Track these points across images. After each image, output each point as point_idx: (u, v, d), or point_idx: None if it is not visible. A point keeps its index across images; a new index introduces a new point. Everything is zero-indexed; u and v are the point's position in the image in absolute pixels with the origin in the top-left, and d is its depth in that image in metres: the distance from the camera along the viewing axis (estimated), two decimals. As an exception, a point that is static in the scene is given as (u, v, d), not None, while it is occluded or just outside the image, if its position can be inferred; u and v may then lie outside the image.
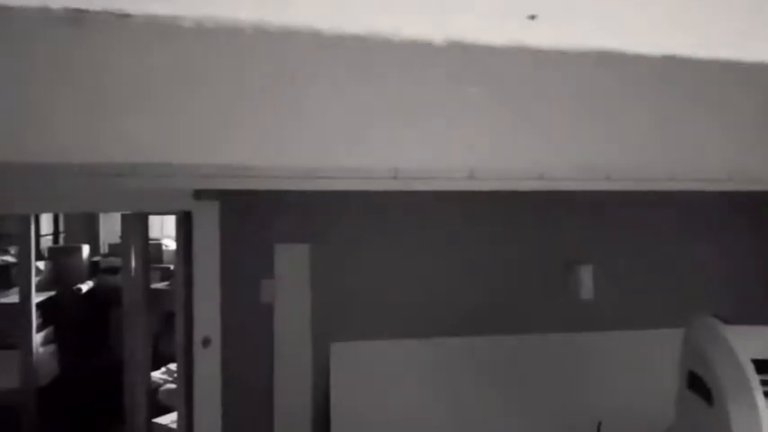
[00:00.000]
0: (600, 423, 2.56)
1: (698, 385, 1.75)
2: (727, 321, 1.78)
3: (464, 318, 3.10)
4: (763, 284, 3.35)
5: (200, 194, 2.59)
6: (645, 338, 3.12)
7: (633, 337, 3.14)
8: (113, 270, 4.84)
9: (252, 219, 2.83)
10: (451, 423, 2.89)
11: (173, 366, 3.42)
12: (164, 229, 5.77)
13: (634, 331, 3.16)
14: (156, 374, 3.65)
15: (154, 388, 3.40)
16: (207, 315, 2.70)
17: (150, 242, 4.50)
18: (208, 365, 2.67)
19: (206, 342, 2.69)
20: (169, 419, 3.26)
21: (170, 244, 5.13)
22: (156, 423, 3.26)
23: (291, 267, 2.81)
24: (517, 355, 3.06)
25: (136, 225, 3.32)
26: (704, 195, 2.99)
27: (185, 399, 2.76)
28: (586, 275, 3.13)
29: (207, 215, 2.67)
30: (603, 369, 3.05)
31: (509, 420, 2.90)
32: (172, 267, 4.13)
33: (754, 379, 1.62)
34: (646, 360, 3.04)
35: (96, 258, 5.45)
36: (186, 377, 2.74)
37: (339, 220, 2.95)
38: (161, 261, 5.00)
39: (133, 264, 3.37)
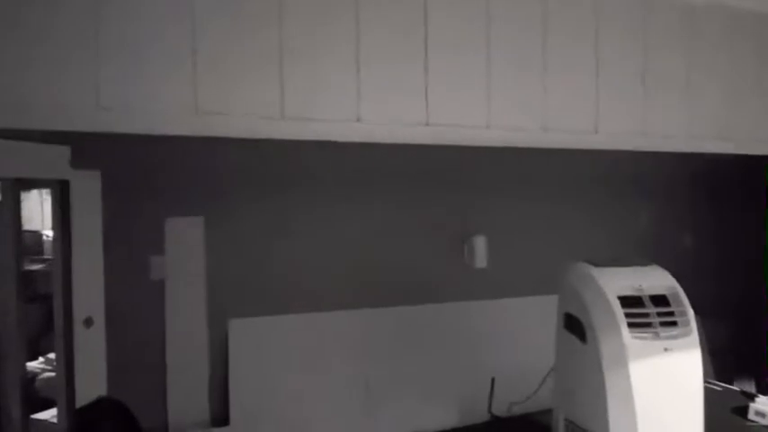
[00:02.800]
0: (493, 379, 2.69)
1: (573, 325, 1.90)
2: (597, 264, 1.94)
3: (365, 291, 3.13)
4: (633, 239, 3.69)
5: (78, 161, 2.40)
6: (534, 303, 3.32)
7: (523, 303, 3.34)
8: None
9: (139, 191, 2.65)
10: (354, 393, 2.90)
11: (53, 355, 3.14)
12: (44, 221, 5.30)
13: (523, 298, 3.35)
14: (33, 364, 3.34)
15: (30, 378, 3.11)
16: (88, 294, 2.50)
17: (28, 232, 4.10)
18: (91, 348, 2.47)
19: (88, 322, 2.49)
20: (50, 414, 2.99)
21: (51, 234, 4.71)
22: (35, 419, 2.98)
23: (184, 242, 2.68)
24: (416, 324, 3.14)
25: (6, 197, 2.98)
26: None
27: (66, 387, 2.54)
28: (480, 245, 3.28)
29: (87, 185, 2.47)
30: (497, 332, 3.21)
31: (410, 386, 2.97)
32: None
33: (620, 313, 1.78)
34: (534, 323, 3.24)
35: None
36: (67, 362, 2.53)
37: (234, 193, 2.84)
38: (41, 252, 4.58)
39: None
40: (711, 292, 4.21)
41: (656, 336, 1.76)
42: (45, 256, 4.65)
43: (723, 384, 3.05)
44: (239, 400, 2.72)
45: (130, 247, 2.64)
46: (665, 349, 1.75)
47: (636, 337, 1.75)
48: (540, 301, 3.21)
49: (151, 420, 2.66)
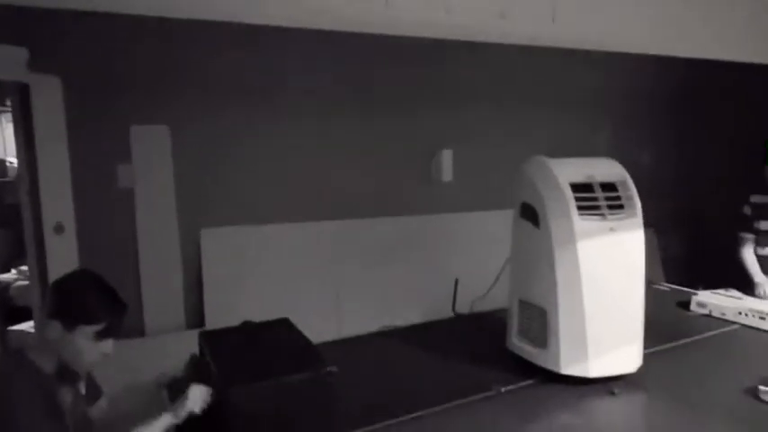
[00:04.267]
0: (457, 280, 2.83)
1: (528, 212, 2.01)
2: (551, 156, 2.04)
3: (334, 203, 3.21)
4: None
5: (37, 65, 2.35)
6: (497, 217, 3.45)
7: (487, 217, 3.46)
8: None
9: (103, 98, 2.62)
10: (324, 298, 3.03)
11: (26, 267, 3.17)
12: (7, 148, 5.19)
13: (487, 212, 3.47)
14: (5, 276, 3.37)
15: (3, 287, 3.14)
16: (57, 200, 2.51)
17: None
18: (63, 253, 2.52)
19: (59, 229, 2.52)
20: (27, 325, 3.05)
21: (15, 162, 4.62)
22: (12, 330, 3.04)
23: (150, 151, 2.69)
24: (384, 236, 3.25)
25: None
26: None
27: (40, 294, 2.59)
28: (446, 159, 3.36)
29: (47, 91, 2.43)
30: (463, 243, 3.34)
31: (378, 290, 3.11)
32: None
33: (571, 197, 1.89)
34: (498, 235, 3.38)
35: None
36: (40, 269, 2.57)
37: (200, 103, 2.84)
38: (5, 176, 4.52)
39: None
40: (666, 207, 4.43)
41: (604, 217, 1.89)
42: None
43: (671, 285, 3.27)
44: (213, 306, 2.81)
45: (97, 155, 2.64)
46: (611, 229, 1.88)
47: (584, 219, 1.87)
48: (504, 215, 3.35)
49: (127, 324, 2.76)
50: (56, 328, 1.48)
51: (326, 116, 3.12)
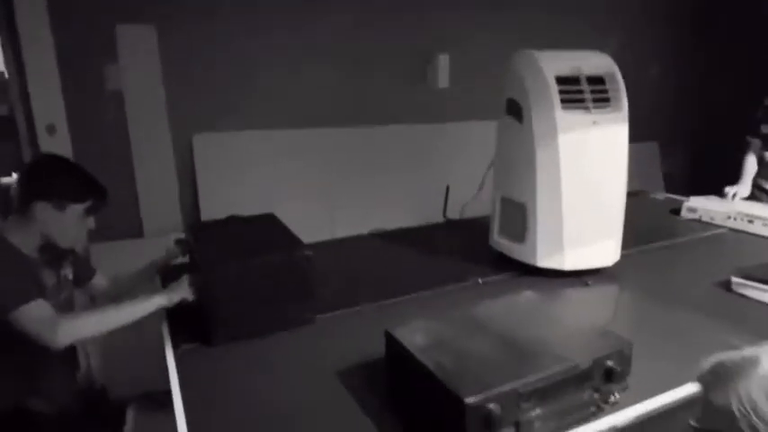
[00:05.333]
0: (448, 186, 2.84)
1: (513, 108, 1.97)
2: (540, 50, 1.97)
3: (328, 110, 3.18)
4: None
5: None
6: (492, 126, 3.40)
7: (483, 127, 3.40)
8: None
9: (86, -3, 2.56)
10: (317, 202, 3.08)
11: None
12: None
13: (484, 121, 3.41)
14: (6, 179, 3.47)
15: (5, 188, 3.25)
16: (47, 102, 2.52)
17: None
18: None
19: (51, 129, 2.55)
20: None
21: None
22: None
23: (137, 51, 2.65)
24: (379, 144, 3.24)
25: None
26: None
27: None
28: (443, 64, 3.27)
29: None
30: (458, 152, 3.32)
31: (371, 197, 3.14)
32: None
33: (554, 90, 1.85)
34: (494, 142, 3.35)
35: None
36: (36, 171, 2.62)
37: (188, 2, 2.75)
38: None
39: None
40: (671, 120, 4.33)
41: (588, 111, 1.85)
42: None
43: (666, 194, 3.26)
44: (208, 208, 2.87)
45: (84, 56, 2.61)
46: (594, 122, 1.85)
47: (567, 112, 1.84)
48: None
49: (127, 226, 2.85)
50: (44, 208, 1.54)
51: (320, 19, 3.02)
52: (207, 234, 1.83)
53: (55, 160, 1.65)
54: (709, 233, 2.53)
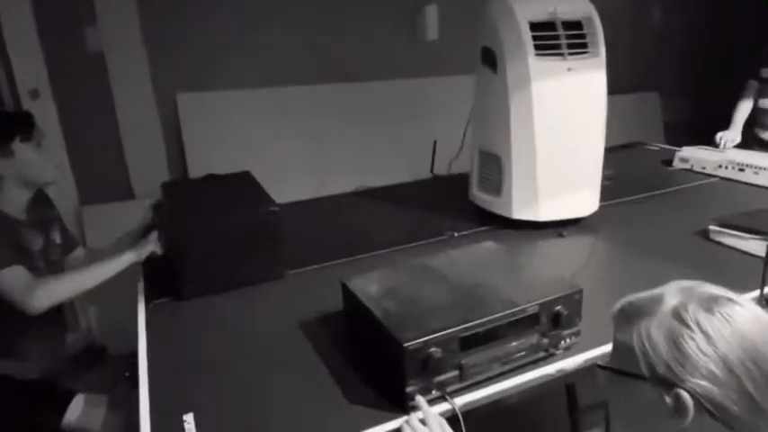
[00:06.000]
0: (435, 141, 2.81)
1: (488, 57, 1.92)
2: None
3: (316, 66, 3.13)
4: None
5: None
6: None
7: (471, 81, 3.34)
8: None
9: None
10: (306, 160, 3.07)
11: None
12: None
13: (472, 76, 3.34)
14: None
15: None
16: (29, 65, 2.52)
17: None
18: (42, 118, 2.53)
19: (34, 94, 2.55)
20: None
21: None
22: None
23: (116, 12, 2.61)
24: (367, 100, 3.19)
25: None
26: None
27: None
28: (431, 15, 3.18)
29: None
30: (447, 107, 3.26)
31: (359, 154, 3.13)
32: None
33: (527, 37, 1.79)
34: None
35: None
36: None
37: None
38: None
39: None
40: (673, 68, 4.19)
41: (563, 57, 1.80)
42: None
43: (661, 145, 3.19)
44: (195, 168, 2.88)
45: (63, 19, 2.58)
46: (569, 69, 1.80)
47: (541, 59, 1.79)
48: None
49: (116, 188, 2.88)
50: None
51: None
52: (179, 192, 1.85)
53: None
54: (699, 183, 2.48)
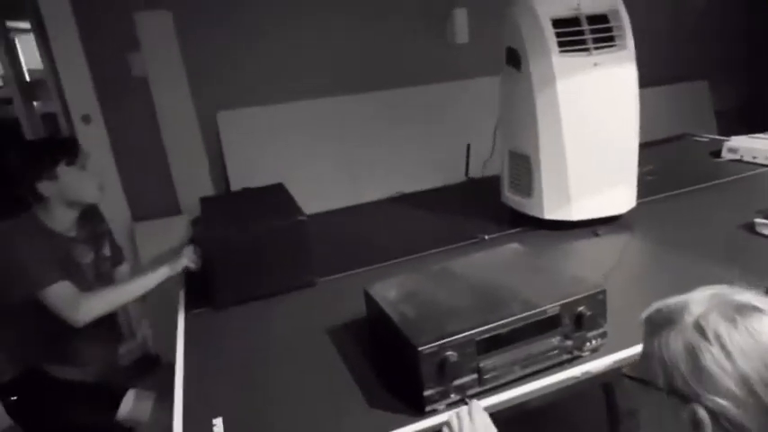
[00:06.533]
0: (468, 145, 2.80)
1: (512, 57, 1.91)
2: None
3: (346, 77, 3.18)
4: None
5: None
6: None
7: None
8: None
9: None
10: (341, 168, 3.12)
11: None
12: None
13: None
14: None
15: None
16: (80, 93, 2.69)
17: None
18: (95, 141, 2.73)
19: (86, 119, 2.73)
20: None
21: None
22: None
23: (157, 37, 2.75)
24: (399, 107, 3.21)
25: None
26: None
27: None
28: (461, 18, 3.17)
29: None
30: (478, 109, 3.23)
31: (393, 160, 3.15)
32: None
33: (550, 33, 1.76)
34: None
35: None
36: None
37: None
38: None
39: None
40: (721, 55, 3.98)
41: (588, 53, 1.76)
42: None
43: (711, 135, 3.04)
44: (237, 182, 2.99)
45: (108, 45, 2.74)
46: (595, 64, 1.75)
47: (565, 55, 1.75)
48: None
49: (165, 204, 3.02)
50: (45, 186, 1.67)
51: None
52: (214, 206, 1.93)
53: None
54: (749, 173, 2.35)
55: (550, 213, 1.89)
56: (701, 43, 3.85)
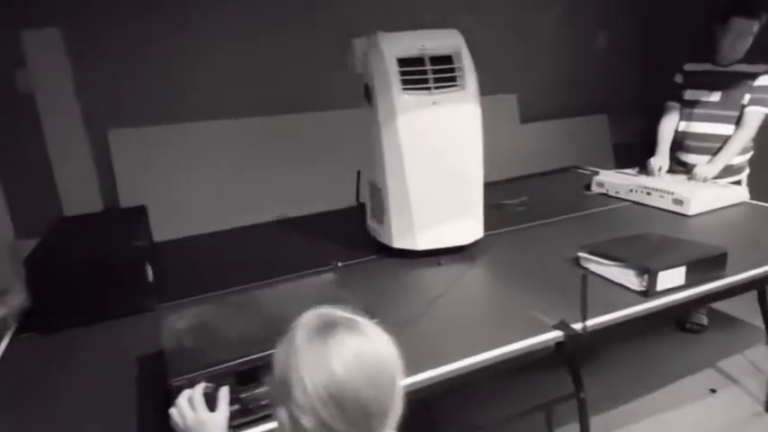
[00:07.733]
0: (359, 171, 2.85)
1: (367, 93, 1.98)
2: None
3: (243, 100, 3.22)
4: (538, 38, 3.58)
5: None
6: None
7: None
8: None
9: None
10: (237, 192, 3.14)
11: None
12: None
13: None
14: None
15: None
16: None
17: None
18: (-26, 158, 2.69)
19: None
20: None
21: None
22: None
23: (45, 54, 2.74)
24: (297, 130, 3.27)
25: None
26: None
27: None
28: (360, 48, 3.25)
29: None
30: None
31: (288, 184, 3.19)
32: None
33: (394, 72, 1.85)
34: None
35: None
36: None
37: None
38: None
39: None
40: (618, 90, 4.21)
41: (429, 92, 1.85)
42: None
43: (592, 168, 3.19)
44: (128, 202, 2.96)
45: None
46: (434, 103, 1.84)
47: (407, 94, 1.84)
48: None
49: (51, 219, 2.96)
50: None
51: (231, 10, 3.06)
52: (64, 228, 1.91)
53: None
54: (610, 207, 2.49)
55: (398, 242, 1.96)
56: (602, 78, 4.07)
